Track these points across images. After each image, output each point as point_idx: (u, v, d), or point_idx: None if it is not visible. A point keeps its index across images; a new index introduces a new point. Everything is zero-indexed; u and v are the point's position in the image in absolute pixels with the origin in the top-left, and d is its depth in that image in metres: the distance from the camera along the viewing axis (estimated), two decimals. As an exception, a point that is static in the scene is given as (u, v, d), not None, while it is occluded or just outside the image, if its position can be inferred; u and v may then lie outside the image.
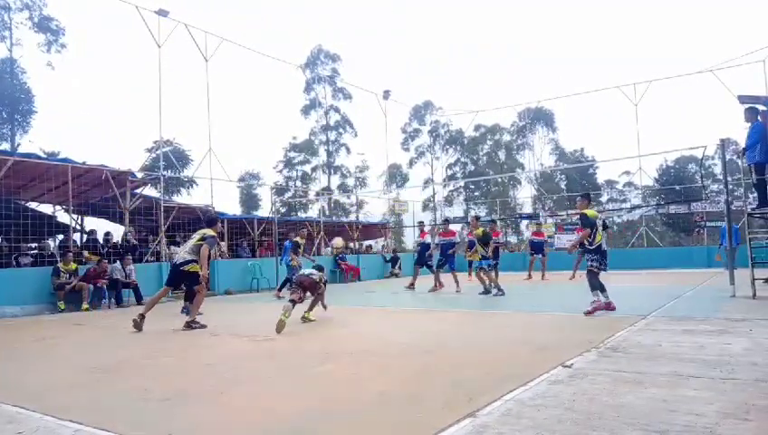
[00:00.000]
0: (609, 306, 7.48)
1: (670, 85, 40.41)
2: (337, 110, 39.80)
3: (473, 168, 42.31)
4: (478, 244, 11.01)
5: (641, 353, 4.53)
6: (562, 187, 40.63)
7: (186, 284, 8.08)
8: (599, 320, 6.81)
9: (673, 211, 25.17)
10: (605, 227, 8.36)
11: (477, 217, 12.77)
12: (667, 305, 8.08)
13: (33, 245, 13.74)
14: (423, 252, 13.65)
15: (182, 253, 8.07)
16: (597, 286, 7.56)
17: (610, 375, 3.80)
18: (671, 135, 51.14)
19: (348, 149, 40.26)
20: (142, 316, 7.52)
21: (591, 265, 7.74)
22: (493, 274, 11.50)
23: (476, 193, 42.27)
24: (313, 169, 39.97)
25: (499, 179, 40.29)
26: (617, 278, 15.09)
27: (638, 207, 27.76)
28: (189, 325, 7.53)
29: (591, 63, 71.15)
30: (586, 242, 7.83)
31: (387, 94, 25.28)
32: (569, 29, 71.58)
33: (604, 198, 39.11)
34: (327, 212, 36.22)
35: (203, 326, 7.56)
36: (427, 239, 13.96)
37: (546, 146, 42.85)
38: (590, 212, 7.99)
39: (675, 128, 54.84)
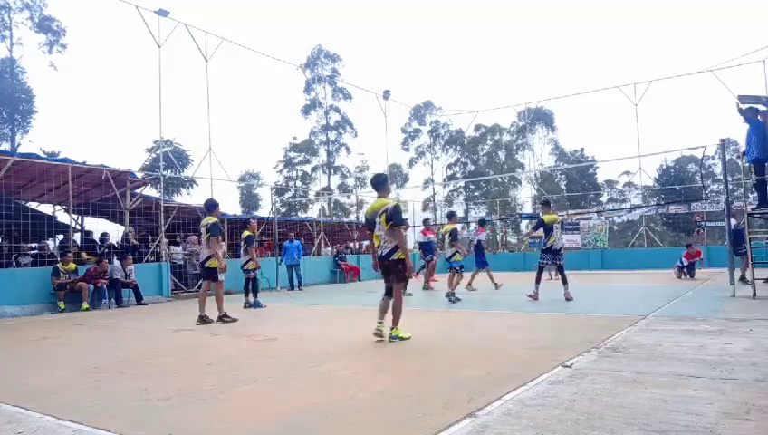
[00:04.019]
0: (536, 296, 9.42)
1: (670, 85, 40.57)
2: (337, 110, 39.88)
3: (473, 168, 42.36)
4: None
5: (641, 353, 4.53)
6: (562, 187, 40.65)
7: (210, 279, 8.46)
8: (598, 320, 6.81)
9: (673, 211, 25.18)
10: (563, 228, 9.76)
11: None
12: (668, 305, 8.08)
13: (33, 245, 13.74)
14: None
15: (202, 249, 8.49)
16: (538, 280, 9.59)
17: (611, 375, 3.80)
18: (671, 135, 51.28)
19: (348, 149, 40.36)
20: (201, 317, 8.12)
21: (541, 263, 9.72)
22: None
23: (476, 193, 42.33)
24: (313, 169, 40.06)
25: (499, 179, 40.34)
26: (617, 278, 15.12)
27: (639, 207, 27.76)
28: (221, 319, 8.13)
29: (591, 63, 71.25)
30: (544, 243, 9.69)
31: (387, 94, 25.30)
32: (569, 29, 71.65)
33: (604, 198, 39.15)
34: (327, 212, 36.24)
35: (234, 320, 8.13)
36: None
37: (546, 146, 42.92)
38: (546, 218, 9.60)
39: (675, 128, 54.99)
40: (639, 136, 23.55)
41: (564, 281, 9.52)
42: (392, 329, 5.75)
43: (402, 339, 5.69)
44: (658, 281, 13.42)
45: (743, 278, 10.39)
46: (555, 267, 9.78)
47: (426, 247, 13.24)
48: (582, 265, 21.12)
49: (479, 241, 13.15)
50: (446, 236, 10.74)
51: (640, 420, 2.78)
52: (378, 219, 5.75)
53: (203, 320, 8.05)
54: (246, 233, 10.61)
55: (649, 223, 27.04)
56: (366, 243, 26.65)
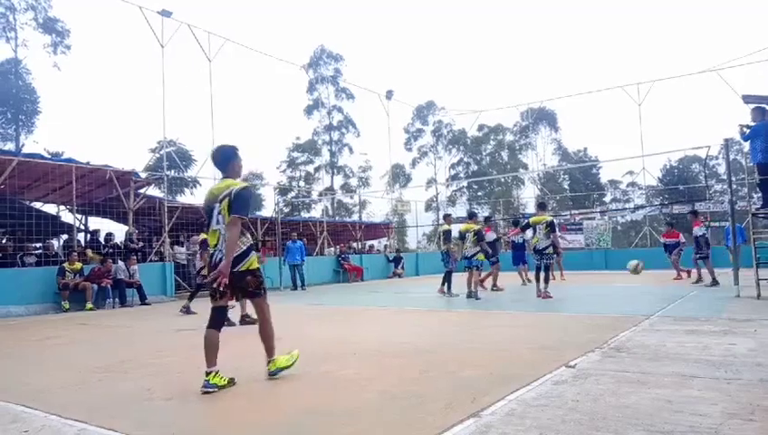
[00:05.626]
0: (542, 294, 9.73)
1: (674, 85, 40.44)
2: (340, 110, 39.88)
3: (476, 168, 42.32)
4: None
5: (645, 354, 4.52)
6: (565, 187, 40.60)
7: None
8: (602, 320, 6.80)
9: (677, 211, 25.10)
10: (551, 229, 9.95)
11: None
12: (671, 306, 8.06)
13: (38, 245, 13.79)
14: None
15: None
16: (537, 279, 9.95)
17: (614, 376, 3.79)
18: (675, 135, 51.12)
19: (351, 149, 40.35)
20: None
21: (536, 262, 10.18)
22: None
23: (480, 193, 42.26)
24: (316, 169, 40.03)
25: (502, 179, 40.29)
26: (621, 278, 15.08)
27: (642, 207, 27.69)
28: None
29: (594, 63, 71.07)
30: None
31: (389, 94, 25.30)
32: (572, 29, 71.48)
33: (608, 198, 39.07)
34: (330, 212, 36.26)
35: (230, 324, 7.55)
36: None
37: (549, 146, 42.89)
38: (531, 219, 10.39)
39: (679, 128, 54.81)
40: (643, 136, 23.51)
41: (546, 280, 9.88)
42: (269, 362, 4.16)
43: (286, 368, 4.18)
44: (662, 281, 13.39)
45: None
46: (543, 266, 9.93)
47: (491, 246, 12.71)
48: (586, 265, 21.07)
49: (522, 241, 13.79)
50: (469, 234, 10.78)
51: (644, 421, 2.77)
52: (217, 207, 3.99)
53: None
54: (203, 236, 7.95)
55: (653, 223, 26.97)
56: (371, 243, 26.57)
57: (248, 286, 4.01)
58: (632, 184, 40.04)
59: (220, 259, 3.90)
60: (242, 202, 3.93)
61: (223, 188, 4.02)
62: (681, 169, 38.78)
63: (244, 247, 3.97)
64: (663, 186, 35.40)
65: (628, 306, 8.19)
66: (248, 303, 7.97)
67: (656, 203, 27.22)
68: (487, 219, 15.30)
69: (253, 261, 4.04)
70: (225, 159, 4.18)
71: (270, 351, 4.17)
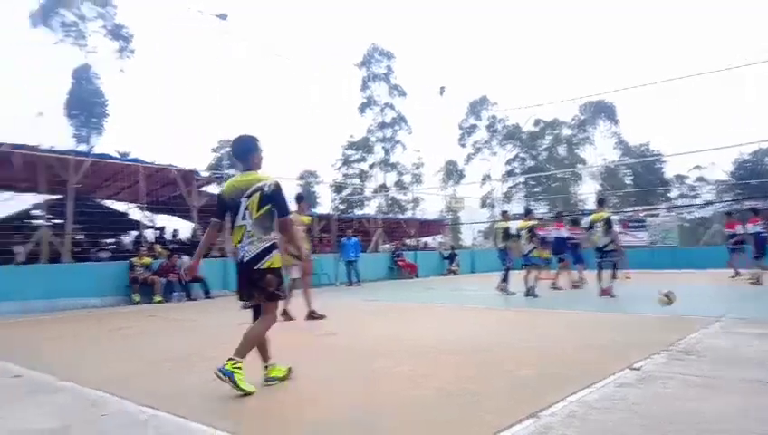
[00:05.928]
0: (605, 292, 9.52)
1: (746, 72, 38.09)
2: (392, 107, 39.98)
3: (532, 163, 41.41)
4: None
5: (716, 357, 4.30)
6: (627, 182, 39.02)
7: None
8: (668, 321, 6.51)
9: (749, 207, 23.65)
10: (608, 225, 9.75)
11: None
12: (744, 307, 7.62)
13: (110, 240, 14.62)
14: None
15: None
16: (599, 278, 9.71)
17: (682, 379, 3.63)
18: (748, 125, 48.08)
19: (404, 146, 40.40)
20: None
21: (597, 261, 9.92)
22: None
23: (537, 189, 41.32)
24: (370, 167, 40.33)
25: (559, 175, 39.24)
26: (690, 277, 14.37)
27: (711, 203, 26.26)
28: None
29: (656, 52, 67.76)
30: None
31: (442, 90, 25.15)
32: (631, 18, 68.44)
33: (673, 194, 37.29)
34: (384, 209, 36.46)
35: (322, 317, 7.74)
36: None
37: (609, 140, 41.38)
38: (591, 217, 10.29)
39: (752, 117, 51.48)
40: (711, 128, 22.27)
41: (611, 277, 9.64)
42: (228, 360, 3.64)
43: (240, 389, 3.53)
44: (734, 281, 12.66)
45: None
46: (610, 266, 9.71)
47: (561, 243, 12.73)
48: (650, 263, 20.18)
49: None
50: (523, 232, 10.70)
51: (713, 427, 2.65)
52: (244, 202, 3.80)
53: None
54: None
55: (724, 220, 25.59)
56: (425, 240, 26.44)
57: (268, 286, 3.76)
58: (700, 179, 38.07)
59: (242, 256, 3.82)
60: (284, 202, 3.86)
61: (248, 181, 3.85)
62: (755, 162, 36.39)
63: (267, 244, 3.78)
64: (735, 180, 33.41)
65: (697, 307, 7.80)
66: (312, 299, 8.09)
67: (726, 199, 25.73)
68: (559, 215, 15.12)
69: (275, 259, 3.81)
70: (246, 150, 3.98)
71: (241, 353, 3.73)
